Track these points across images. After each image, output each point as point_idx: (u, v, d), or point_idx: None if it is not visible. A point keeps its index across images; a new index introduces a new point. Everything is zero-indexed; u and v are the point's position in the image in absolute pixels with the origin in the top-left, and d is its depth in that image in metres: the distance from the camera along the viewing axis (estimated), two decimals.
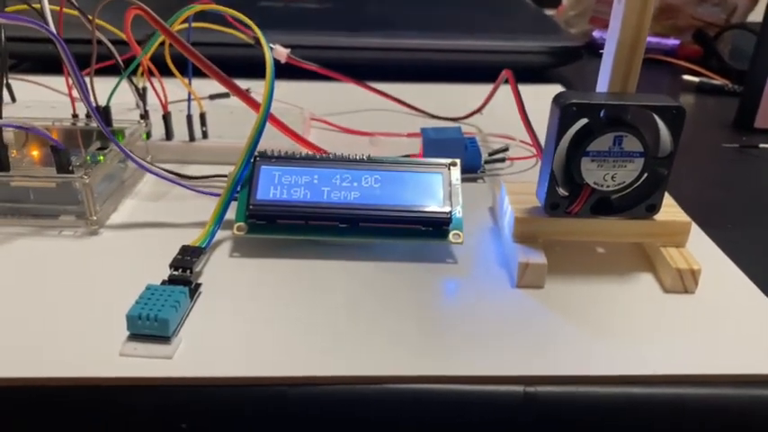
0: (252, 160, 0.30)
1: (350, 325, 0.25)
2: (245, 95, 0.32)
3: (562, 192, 0.28)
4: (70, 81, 0.36)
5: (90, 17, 0.33)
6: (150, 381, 0.22)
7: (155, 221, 0.32)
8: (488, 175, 0.38)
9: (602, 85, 0.28)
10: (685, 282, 0.28)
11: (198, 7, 0.33)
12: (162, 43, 0.33)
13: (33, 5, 0.34)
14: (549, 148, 0.27)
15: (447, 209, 0.29)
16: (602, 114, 0.27)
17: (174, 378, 0.22)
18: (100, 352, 0.23)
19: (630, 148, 0.27)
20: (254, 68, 0.35)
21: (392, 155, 0.38)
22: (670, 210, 0.30)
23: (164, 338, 0.23)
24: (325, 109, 0.47)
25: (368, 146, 0.42)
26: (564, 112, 0.26)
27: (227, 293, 0.27)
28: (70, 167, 0.30)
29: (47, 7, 0.29)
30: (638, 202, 0.28)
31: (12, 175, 0.30)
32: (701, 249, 0.30)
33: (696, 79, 0.58)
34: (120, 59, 0.35)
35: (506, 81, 0.42)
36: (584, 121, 0.27)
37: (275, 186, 0.29)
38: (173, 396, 0.22)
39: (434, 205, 0.29)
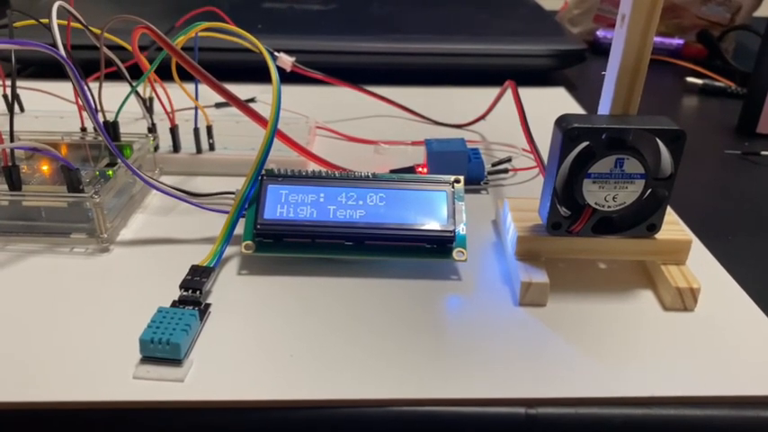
0: (259, 179, 0.31)
1: (355, 346, 0.26)
2: (251, 112, 0.32)
3: (564, 211, 0.29)
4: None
5: (97, 34, 0.34)
6: (163, 404, 0.23)
7: (164, 237, 0.33)
8: (491, 186, 0.39)
9: (605, 107, 0.28)
10: (685, 300, 0.28)
11: (204, 25, 0.33)
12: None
13: (41, 21, 0.35)
14: (552, 169, 0.28)
15: (451, 227, 0.30)
16: (603, 137, 0.27)
17: (186, 402, 0.23)
18: (114, 374, 0.24)
19: (631, 170, 0.27)
20: (261, 72, 0.36)
21: (397, 164, 0.39)
22: (671, 227, 0.30)
23: (175, 361, 0.24)
24: (329, 115, 0.47)
25: (373, 155, 0.43)
26: (566, 136, 0.26)
27: (236, 313, 0.27)
28: (81, 186, 0.30)
29: (56, 31, 0.29)
30: (639, 221, 0.29)
31: (24, 194, 0.31)
32: (701, 264, 0.31)
33: (700, 81, 0.59)
34: (128, 76, 0.35)
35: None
36: (585, 143, 0.27)
37: (282, 205, 0.30)
38: (185, 419, 0.23)
39: (438, 223, 0.30)
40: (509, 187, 0.39)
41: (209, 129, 0.39)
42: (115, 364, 0.24)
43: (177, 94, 0.37)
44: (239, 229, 0.30)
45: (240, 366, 0.25)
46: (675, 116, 0.53)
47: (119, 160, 0.32)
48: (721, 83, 0.59)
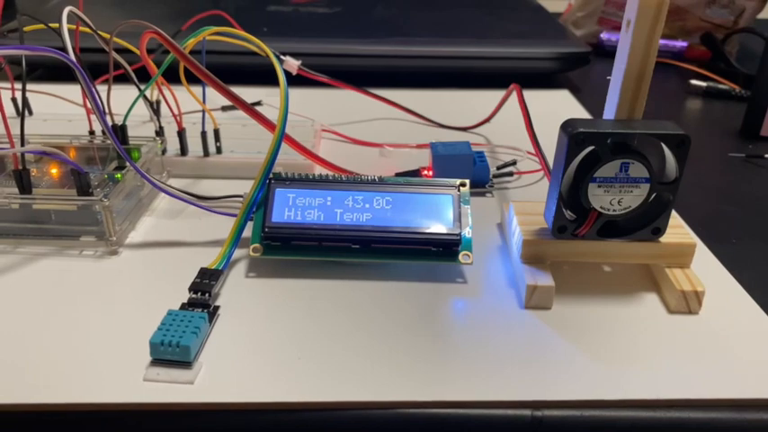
0: (267, 182, 0.31)
1: (362, 348, 0.26)
2: (258, 115, 0.32)
3: (569, 215, 0.29)
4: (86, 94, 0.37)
5: (106, 38, 0.34)
6: (173, 406, 0.23)
7: (172, 240, 0.33)
8: (496, 189, 0.39)
9: (610, 111, 0.28)
10: (689, 303, 0.28)
11: (213, 29, 0.34)
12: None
13: (51, 25, 0.35)
14: (557, 173, 0.28)
15: (457, 230, 0.30)
16: (608, 142, 0.27)
17: (196, 404, 0.23)
18: (124, 377, 0.24)
19: (636, 174, 0.27)
20: (267, 75, 0.36)
21: (402, 167, 0.39)
22: (676, 231, 0.30)
23: (185, 364, 0.24)
24: (335, 118, 0.48)
25: (378, 158, 0.43)
26: (572, 141, 0.27)
27: (244, 315, 0.28)
28: (90, 190, 0.31)
29: (66, 37, 0.30)
30: (644, 225, 0.29)
31: (34, 197, 0.31)
32: (705, 267, 0.31)
33: (703, 84, 0.59)
34: (136, 80, 0.36)
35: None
36: (591, 147, 0.27)
37: (289, 208, 0.30)
38: (195, 421, 0.23)
39: (444, 227, 0.30)
40: (514, 190, 0.39)
41: (216, 132, 0.39)
42: (125, 366, 0.25)
43: (184, 98, 0.37)
44: (247, 232, 0.31)
45: (249, 369, 0.25)
46: (679, 118, 0.54)
47: (127, 163, 0.33)
48: (725, 85, 0.59)
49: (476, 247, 0.31)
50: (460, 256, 0.30)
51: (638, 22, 0.26)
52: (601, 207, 0.28)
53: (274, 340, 0.26)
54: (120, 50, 0.37)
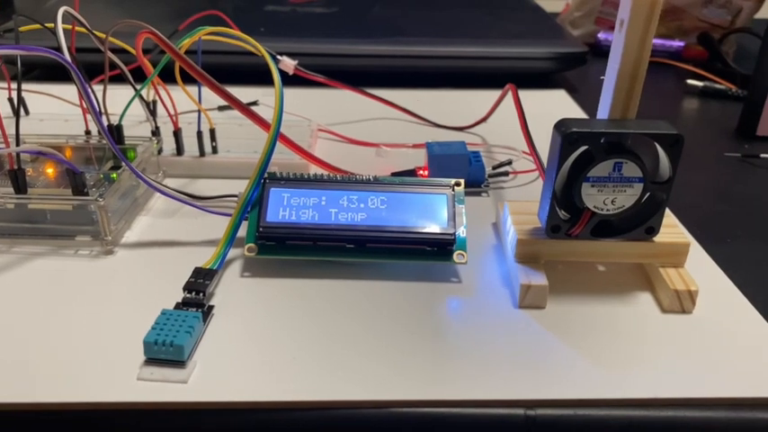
0: (261, 182, 0.31)
1: (356, 348, 0.26)
2: (254, 115, 0.32)
3: (563, 214, 0.29)
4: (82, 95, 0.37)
5: (101, 38, 0.34)
6: (166, 405, 0.23)
7: (167, 240, 0.33)
8: (492, 189, 0.39)
9: (603, 111, 0.28)
10: (683, 302, 0.29)
11: (209, 29, 0.34)
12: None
13: (46, 25, 0.35)
14: (551, 173, 0.28)
15: (451, 230, 0.30)
16: (602, 141, 0.27)
17: (189, 403, 0.23)
18: (118, 376, 0.24)
19: (630, 173, 0.27)
20: (263, 75, 0.36)
21: (398, 167, 0.39)
22: (670, 230, 0.30)
23: (179, 363, 0.24)
24: (331, 118, 0.48)
25: (374, 157, 0.43)
26: (565, 141, 0.27)
27: (238, 315, 0.28)
28: (85, 190, 0.31)
29: (61, 37, 0.30)
30: (638, 224, 0.29)
31: (30, 197, 0.31)
32: (699, 267, 0.31)
33: (700, 83, 0.59)
34: (132, 80, 0.36)
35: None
36: (584, 147, 0.27)
37: (284, 208, 0.30)
38: (188, 420, 0.23)
39: (439, 226, 0.30)
40: (509, 190, 0.39)
41: (212, 132, 0.39)
42: (119, 365, 0.25)
43: (180, 98, 0.37)
44: (242, 232, 0.31)
45: (243, 368, 0.25)
46: (675, 118, 0.54)
47: (123, 163, 0.33)
48: (722, 85, 0.59)
49: (470, 247, 0.31)
50: (455, 256, 0.30)
51: (632, 22, 0.26)
52: (594, 206, 0.28)
53: (268, 340, 0.26)
54: (117, 50, 0.37)
